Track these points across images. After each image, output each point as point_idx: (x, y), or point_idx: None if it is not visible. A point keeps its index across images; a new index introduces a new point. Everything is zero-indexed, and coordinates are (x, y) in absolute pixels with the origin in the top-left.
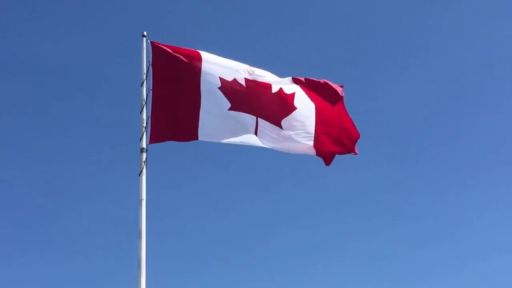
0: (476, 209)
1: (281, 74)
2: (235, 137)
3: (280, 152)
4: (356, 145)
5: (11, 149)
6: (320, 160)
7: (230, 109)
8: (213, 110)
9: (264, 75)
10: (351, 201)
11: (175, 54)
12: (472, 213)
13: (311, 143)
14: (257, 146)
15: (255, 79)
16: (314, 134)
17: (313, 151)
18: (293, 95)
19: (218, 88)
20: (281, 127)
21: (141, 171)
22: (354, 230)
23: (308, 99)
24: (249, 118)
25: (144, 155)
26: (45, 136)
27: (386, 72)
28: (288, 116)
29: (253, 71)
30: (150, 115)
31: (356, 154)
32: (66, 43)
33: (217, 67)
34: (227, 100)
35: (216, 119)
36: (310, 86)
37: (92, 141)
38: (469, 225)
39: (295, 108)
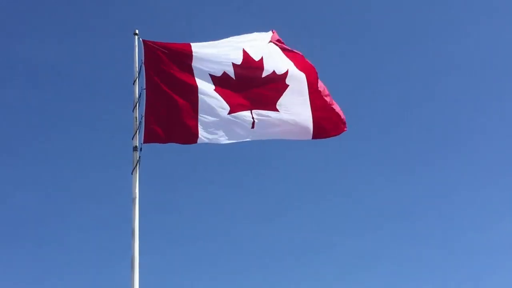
0: (474, 208)
1: None
2: (234, 139)
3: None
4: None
5: (2, 148)
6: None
7: (229, 113)
8: (213, 114)
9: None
10: (346, 199)
11: (167, 52)
12: (470, 213)
13: (310, 123)
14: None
15: (249, 63)
16: (311, 111)
17: (309, 135)
18: (285, 74)
19: (214, 90)
20: (277, 110)
21: (134, 169)
22: (349, 229)
23: (300, 73)
24: (246, 115)
25: (137, 153)
26: (38, 134)
27: (389, 71)
28: (282, 96)
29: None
30: (143, 114)
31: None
32: (58, 41)
33: (207, 62)
34: (225, 103)
35: (217, 125)
36: (297, 59)
37: (85, 139)
38: (466, 224)
39: (287, 86)
